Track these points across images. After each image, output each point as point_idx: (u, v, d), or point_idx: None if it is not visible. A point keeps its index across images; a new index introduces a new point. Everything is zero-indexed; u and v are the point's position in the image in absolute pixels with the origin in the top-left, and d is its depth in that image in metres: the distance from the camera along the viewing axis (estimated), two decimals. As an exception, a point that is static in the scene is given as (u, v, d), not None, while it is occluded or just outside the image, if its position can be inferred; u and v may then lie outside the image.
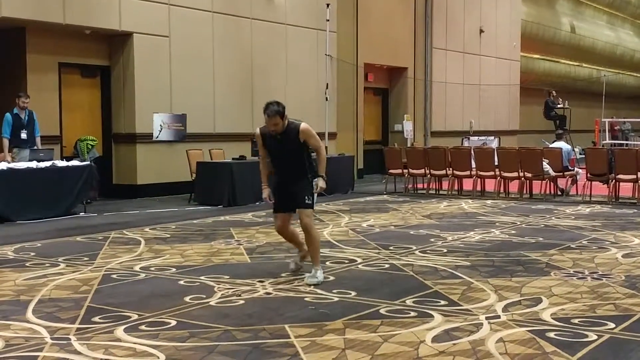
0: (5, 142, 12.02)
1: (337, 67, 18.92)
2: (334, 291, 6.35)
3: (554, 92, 25.17)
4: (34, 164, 11.47)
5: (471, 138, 19.39)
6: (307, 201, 6.78)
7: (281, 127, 6.65)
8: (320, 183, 6.82)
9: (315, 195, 6.87)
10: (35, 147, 12.16)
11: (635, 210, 12.47)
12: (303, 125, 6.73)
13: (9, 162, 11.49)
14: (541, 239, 9.36)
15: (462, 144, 18.20)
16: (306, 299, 6.12)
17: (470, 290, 6.40)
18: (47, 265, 7.65)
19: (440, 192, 15.66)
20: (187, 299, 6.10)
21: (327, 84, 18.24)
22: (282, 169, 6.89)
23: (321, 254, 8.16)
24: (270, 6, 16.93)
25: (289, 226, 7.05)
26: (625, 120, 30.82)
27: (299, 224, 6.93)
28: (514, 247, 8.71)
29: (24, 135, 12.10)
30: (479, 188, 15.13)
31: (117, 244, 9.06)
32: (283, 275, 7.03)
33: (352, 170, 16.93)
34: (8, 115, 12.04)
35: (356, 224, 10.89)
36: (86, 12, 13.40)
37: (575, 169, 15.38)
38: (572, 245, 8.81)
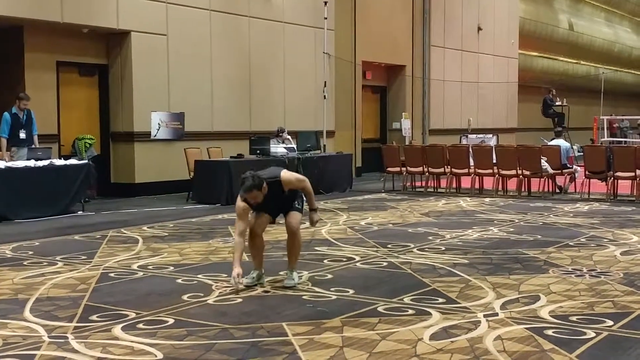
0: (3, 142, 12.04)
1: (335, 65, 18.92)
2: (332, 289, 6.35)
3: (553, 90, 25.18)
4: (32, 163, 11.46)
5: (469, 136, 19.37)
6: (297, 205, 6.57)
7: (262, 196, 6.24)
8: (315, 217, 6.70)
9: (303, 207, 6.64)
10: (33, 146, 12.15)
11: (634, 208, 12.48)
12: (283, 177, 6.37)
13: (6, 161, 11.48)
14: (539, 236, 9.36)
15: (460, 142, 18.18)
16: (304, 297, 6.11)
17: (469, 288, 6.40)
18: (45, 263, 7.64)
19: (439, 190, 15.65)
20: (185, 297, 6.10)
21: (325, 82, 18.24)
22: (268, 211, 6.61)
23: (319, 252, 8.19)
24: (268, 4, 16.92)
25: (263, 231, 6.66)
26: (624, 117, 30.82)
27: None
28: (512, 245, 8.70)
29: (22, 135, 12.13)
30: (477, 186, 15.13)
31: (115, 242, 9.05)
32: (281, 273, 7.02)
33: (350, 169, 16.92)
34: (6, 114, 12.05)
35: (354, 222, 10.88)
36: (84, 10, 13.38)
37: (574, 166, 15.39)
38: (570, 243, 8.81)
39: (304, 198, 6.65)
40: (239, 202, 6.32)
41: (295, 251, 6.69)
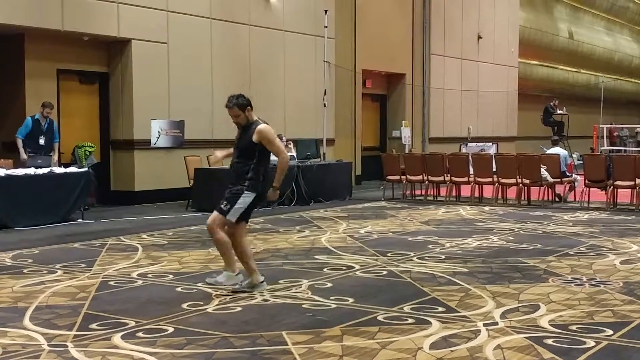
0: (19, 142, 12.28)
1: (335, 73, 18.94)
2: (332, 298, 6.35)
3: (556, 101, 25.23)
4: (32, 171, 11.47)
5: (469, 144, 19.39)
6: (222, 206, 6.53)
7: (243, 120, 6.54)
8: (269, 194, 6.58)
9: (240, 206, 6.47)
10: (51, 154, 12.48)
11: (634, 217, 12.48)
12: (262, 126, 6.50)
13: (25, 159, 11.96)
14: (539, 245, 9.36)
15: (460, 150, 18.20)
16: (304, 305, 6.11)
17: (468, 297, 6.40)
18: (45, 272, 7.64)
19: (438, 198, 15.65)
20: (184, 305, 6.10)
21: (325, 90, 18.26)
22: (230, 168, 6.72)
23: (319, 260, 8.19)
24: (269, 12, 16.96)
25: (222, 228, 6.58)
26: (623, 126, 30.85)
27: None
28: (512, 254, 8.70)
29: (42, 141, 12.43)
30: (476, 194, 15.14)
31: (115, 250, 9.05)
32: (281, 282, 7.02)
33: (350, 177, 16.92)
34: (29, 119, 12.42)
35: (354, 230, 10.88)
36: (84, 18, 13.40)
37: (574, 175, 15.39)
38: (570, 252, 8.81)
39: (238, 205, 6.48)
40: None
41: (219, 251, 6.73)
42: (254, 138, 6.48)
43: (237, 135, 6.69)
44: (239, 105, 6.50)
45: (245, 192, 6.51)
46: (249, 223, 7.00)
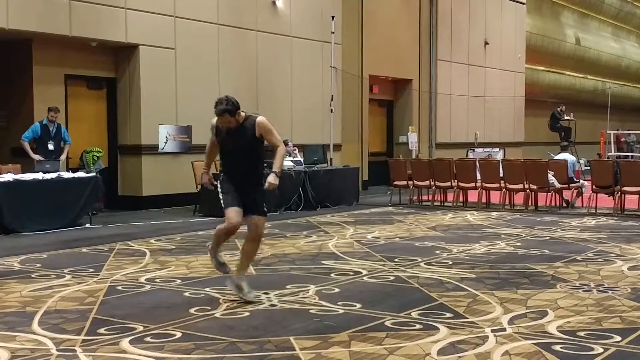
0: (25, 144, 12.33)
1: (342, 79, 18.96)
2: (339, 303, 6.35)
3: (563, 107, 25.22)
4: (39, 176, 11.52)
5: (476, 150, 19.39)
6: (265, 209, 6.47)
7: (234, 123, 6.28)
8: (270, 178, 6.34)
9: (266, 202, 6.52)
10: (60, 159, 12.51)
11: (641, 223, 12.45)
12: (259, 119, 6.34)
13: (36, 158, 12.07)
14: (547, 251, 9.35)
15: (467, 156, 18.19)
16: (311, 310, 6.11)
17: (476, 303, 6.39)
18: (53, 276, 7.66)
19: (445, 203, 15.64)
20: (192, 310, 6.11)
21: (332, 95, 18.28)
22: (234, 171, 6.45)
23: (326, 266, 8.20)
24: (276, 18, 17.00)
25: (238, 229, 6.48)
26: (630, 132, 30.80)
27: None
28: (520, 260, 8.69)
29: (50, 146, 12.51)
30: (484, 200, 15.12)
31: (123, 255, 9.07)
32: (288, 287, 7.03)
33: (357, 182, 16.93)
34: (37, 124, 12.50)
35: (361, 235, 10.88)
36: (92, 24, 13.45)
37: (581, 181, 15.37)
38: (577, 258, 8.79)
39: (266, 198, 6.50)
40: (212, 121, 6.49)
41: (251, 257, 6.69)
42: (257, 132, 6.34)
43: (227, 137, 6.40)
44: (230, 112, 6.21)
45: (263, 187, 6.44)
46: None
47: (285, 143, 15.71)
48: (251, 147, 6.40)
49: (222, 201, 6.51)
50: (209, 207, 13.47)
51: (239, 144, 6.39)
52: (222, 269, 6.72)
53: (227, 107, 6.20)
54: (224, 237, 6.61)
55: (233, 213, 6.39)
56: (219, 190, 6.55)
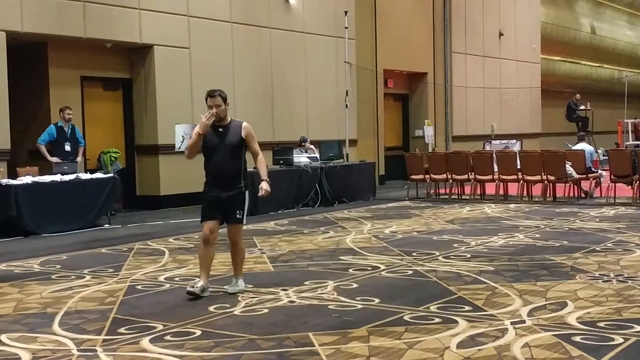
0: (42, 148, 12.31)
1: (357, 74, 18.94)
2: (358, 298, 6.35)
3: (578, 95, 25.07)
4: (58, 177, 11.59)
5: (493, 142, 19.30)
6: (237, 216, 6.68)
7: (223, 112, 6.75)
8: (265, 186, 6.70)
9: (247, 208, 6.78)
10: (77, 159, 12.51)
11: (661, 211, 12.37)
12: (245, 123, 6.81)
13: (54, 161, 12.08)
14: (565, 242, 9.30)
15: (483, 148, 18.12)
16: (330, 306, 6.12)
17: (495, 296, 6.38)
18: (73, 277, 7.72)
19: (463, 196, 15.59)
20: (211, 308, 6.13)
21: (347, 91, 18.26)
22: (217, 171, 6.78)
23: (344, 261, 8.20)
24: (289, 15, 17.00)
25: (215, 238, 6.83)
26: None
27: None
28: (538, 251, 8.66)
29: (67, 147, 12.47)
30: (501, 192, 15.06)
31: (142, 255, 9.12)
32: (306, 283, 7.04)
33: (374, 177, 16.91)
34: (52, 126, 12.46)
35: (379, 230, 10.88)
36: (106, 25, 13.51)
37: (599, 171, 15.28)
38: (597, 248, 8.75)
39: (246, 208, 6.76)
40: (201, 117, 6.85)
41: (240, 260, 6.85)
42: (243, 134, 6.71)
43: (213, 136, 6.77)
44: (223, 97, 6.78)
45: (245, 192, 6.73)
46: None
47: (303, 140, 15.79)
48: (237, 146, 6.70)
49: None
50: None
51: (225, 143, 6.71)
52: (201, 293, 6.60)
53: (222, 93, 6.80)
54: (203, 251, 6.79)
55: (206, 226, 6.81)
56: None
